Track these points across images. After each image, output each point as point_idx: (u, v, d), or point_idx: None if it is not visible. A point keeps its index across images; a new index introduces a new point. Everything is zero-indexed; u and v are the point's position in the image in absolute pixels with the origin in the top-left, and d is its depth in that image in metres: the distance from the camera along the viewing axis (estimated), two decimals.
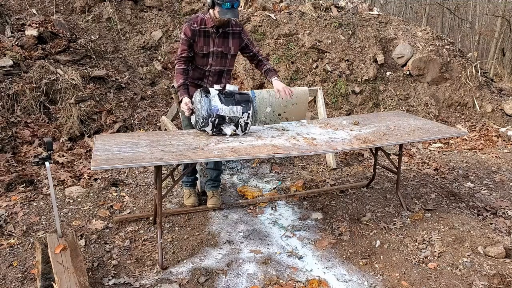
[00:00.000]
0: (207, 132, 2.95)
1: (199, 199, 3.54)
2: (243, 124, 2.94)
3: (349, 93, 5.98)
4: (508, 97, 6.68)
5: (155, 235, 3.05)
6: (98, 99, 4.84)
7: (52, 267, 2.34)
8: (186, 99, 2.98)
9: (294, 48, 6.20)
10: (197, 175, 3.57)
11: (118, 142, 2.73)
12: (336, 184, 4.04)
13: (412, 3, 20.99)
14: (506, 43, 15.58)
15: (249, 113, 2.93)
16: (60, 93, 4.64)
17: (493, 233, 3.14)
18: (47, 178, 2.58)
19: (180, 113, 3.47)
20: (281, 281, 2.62)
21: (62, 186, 3.74)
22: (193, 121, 3.05)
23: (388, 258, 2.88)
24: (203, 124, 2.90)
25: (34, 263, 2.68)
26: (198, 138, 2.90)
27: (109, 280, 2.58)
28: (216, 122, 2.88)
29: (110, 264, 2.73)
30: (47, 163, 2.49)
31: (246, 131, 3.00)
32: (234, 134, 2.96)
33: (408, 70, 6.38)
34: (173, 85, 3.41)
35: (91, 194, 3.63)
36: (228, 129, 2.92)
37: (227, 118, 2.88)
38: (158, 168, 2.70)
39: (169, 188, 3.03)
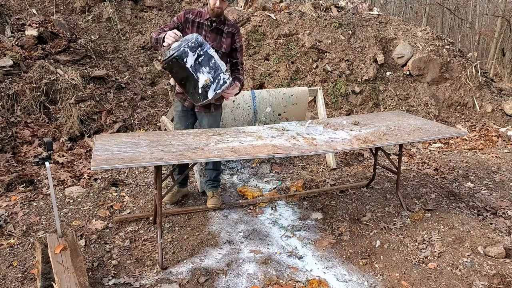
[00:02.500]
0: (182, 63, 2.65)
1: (199, 199, 3.54)
2: (221, 81, 2.73)
3: (349, 93, 5.98)
4: (508, 97, 6.68)
5: (155, 235, 3.05)
6: (98, 99, 4.84)
7: (52, 267, 2.34)
8: (174, 30, 2.78)
9: (294, 48, 6.20)
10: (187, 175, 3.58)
11: (118, 142, 2.73)
12: (336, 184, 4.04)
13: (412, 3, 20.99)
14: (506, 43, 15.57)
15: (230, 78, 2.78)
16: (60, 93, 4.64)
17: (493, 233, 3.14)
18: (47, 178, 2.58)
19: (173, 110, 3.45)
20: (281, 281, 2.62)
21: (62, 186, 3.74)
22: (167, 53, 2.73)
23: (388, 258, 2.88)
24: (190, 47, 2.63)
25: (34, 263, 2.68)
26: (198, 138, 2.90)
27: (109, 280, 2.58)
28: (202, 57, 2.66)
29: (110, 264, 2.73)
30: (47, 163, 2.49)
31: (218, 91, 2.75)
32: (204, 90, 2.72)
33: (408, 70, 6.38)
34: (169, 82, 3.40)
35: (91, 194, 3.63)
36: (205, 75, 2.69)
37: (213, 61, 2.69)
38: (158, 168, 2.70)
39: (169, 188, 3.03)
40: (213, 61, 2.71)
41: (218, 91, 2.75)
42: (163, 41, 2.74)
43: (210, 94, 2.74)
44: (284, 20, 6.52)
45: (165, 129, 4.26)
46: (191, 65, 2.69)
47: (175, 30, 2.76)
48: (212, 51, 2.74)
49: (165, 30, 2.86)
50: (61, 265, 2.33)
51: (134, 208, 3.45)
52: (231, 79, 2.82)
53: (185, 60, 2.67)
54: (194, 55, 2.66)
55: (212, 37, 3.08)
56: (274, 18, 6.51)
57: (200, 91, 2.76)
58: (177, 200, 3.55)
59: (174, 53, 2.66)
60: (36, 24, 5.27)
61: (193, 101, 2.92)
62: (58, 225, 2.57)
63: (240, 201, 3.64)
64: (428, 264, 2.80)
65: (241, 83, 3.16)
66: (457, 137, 5.56)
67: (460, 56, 6.81)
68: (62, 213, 3.34)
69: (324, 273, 2.73)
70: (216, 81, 2.73)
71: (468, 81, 6.46)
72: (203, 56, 2.68)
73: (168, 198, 3.50)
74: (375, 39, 6.47)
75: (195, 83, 2.74)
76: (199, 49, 2.67)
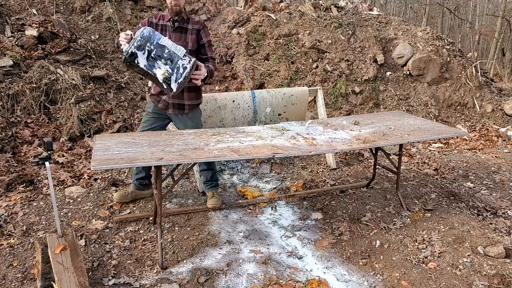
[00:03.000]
0: (136, 64, 2.58)
1: (199, 199, 3.54)
2: (181, 69, 2.59)
3: (349, 93, 5.98)
4: (508, 97, 6.68)
5: (155, 235, 3.05)
6: (98, 99, 4.84)
7: (52, 267, 2.34)
8: (126, 31, 2.74)
9: (294, 48, 6.20)
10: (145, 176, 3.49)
11: (118, 142, 2.73)
12: (336, 184, 4.04)
13: (412, 3, 20.99)
14: (506, 43, 15.57)
15: (191, 60, 2.64)
16: (60, 93, 4.64)
17: (493, 233, 3.14)
18: (47, 178, 2.58)
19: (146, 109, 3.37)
20: (281, 281, 2.62)
21: (62, 186, 3.74)
22: (122, 57, 2.65)
23: (388, 258, 2.88)
24: (136, 47, 2.53)
25: (34, 263, 2.68)
26: (198, 138, 2.90)
27: (109, 280, 2.58)
28: (154, 52, 2.54)
29: (110, 264, 2.73)
30: (47, 163, 2.49)
31: (182, 80, 2.64)
32: (166, 83, 2.61)
33: (408, 70, 6.38)
34: (147, 84, 3.35)
35: (91, 194, 3.63)
36: (161, 68, 2.58)
37: (166, 50, 2.56)
38: (158, 168, 2.70)
39: (169, 188, 3.03)
40: (166, 51, 2.59)
41: (180, 80, 2.64)
42: (120, 45, 2.73)
43: (174, 86, 2.65)
44: (284, 20, 6.52)
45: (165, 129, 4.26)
46: (145, 64, 2.61)
47: (127, 31, 2.73)
48: (163, 40, 2.60)
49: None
50: (61, 265, 2.33)
51: (134, 208, 3.45)
52: (192, 61, 2.67)
53: (136, 61, 2.60)
54: (144, 53, 2.56)
55: (176, 37, 3.05)
56: (274, 18, 6.51)
57: (164, 85, 2.69)
58: (128, 201, 3.49)
59: (124, 57, 2.60)
60: (36, 24, 5.27)
61: (167, 94, 2.85)
62: (58, 225, 2.57)
63: (240, 201, 3.64)
64: (428, 264, 2.80)
65: (210, 69, 3.03)
66: (457, 137, 5.56)
67: (460, 56, 6.81)
68: (62, 213, 3.34)
69: (324, 273, 2.73)
70: (176, 70, 2.61)
71: (468, 81, 6.46)
72: (154, 50, 2.57)
73: (118, 196, 3.46)
74: (375, 39, 6.47)
75: (156, 80, 2.67)
76: (148, 44, 2.57)
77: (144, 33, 2.59)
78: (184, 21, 3.09)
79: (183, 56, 2.62)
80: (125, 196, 3.48)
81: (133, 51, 2.57)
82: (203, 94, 3.49)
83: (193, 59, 2.73)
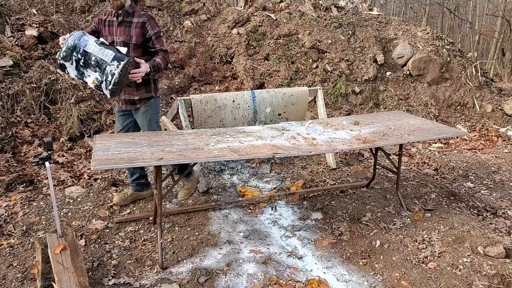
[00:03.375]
0: (67, 73, 2.56)
1: (199, 199, 3.53)
2: (109, 75, 2.50)
3: (349, 93, 5.98)
4: (508, 97, 6.68)
5: (155, 235, 3.05)
6: (98, 99, 4.84)
7: (52, 267, 2.34)
8: (63, 36, 2.70)
9: (294, 48, 6.20)
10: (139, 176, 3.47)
11: (118, 142, 2.73)
12: (336, 184, 4.04)
13: (412, 3, 20.98)
14: (506, 43, 15.57)
15: (119, 64, 2.52)
16: (60, 93, 4.64)
17: (493, 233, 3.14)
18: (47, 178, 2.57)
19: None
20: (281, 281, 2.62)
21: (62, 186, 3.74)
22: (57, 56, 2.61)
23: (388, 258, 2.88)
24: (63, 57, 2.47)
25: (34, 263, 2.68)
26: (198, 138, 2.90)
27: (109, 280, 2.58)
28: (82, 61, 2.47)
29: (110, 264, 2.73)
30: (47, 163, 2.49)
31: (112, 87, 2.55)
32: (98, 88, 2.54)
33: (408, 70, 6.38)
34: None
35: (91, 194, 3.63)
36: (91, 77, 2.51)
37: (93, 58, 2.48)
38: (158, 168, 2.70)
39: (169, 188, 3.03)
40: (93, 58, 2.50)
41: (110, 87, 2.55)
42: None
43: (107, 93, 2.59)
44: (284, 20, 6.52)
45: (165, 129, 4.26)
46: (75, 74, 2.56)
47: (64, 36, 2.69)
48: (90, 47, 2.51)
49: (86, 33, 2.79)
50: (61, 265, 2.33)
51: (134, 208, 3.45)
52: (121, 64, 2.54)
53: (67, 71, 2.56)
54: (72, 63, 2.51)
55: (121, 31, 3.00)
56: (274, 18, 6.51)
57: (100, 91, 2.64)
58: (128, 203, 3.48)
59: (57, 68, 2.56)
60: (36, 24, 5.27)
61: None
62: (58, 225, 2.57)
63: (240, 199, 3.64)
64: (428, 264, 2.80)
65: (156, 63, 2.94)
66: (457, 137, 5.56)
67: (460, 56, 6.81)
68: (62, 213, 3.34)
69: (324, 273, 2.73)
70: (105, 77, 2.53)
71: (468, 81, 6.46)
72: (82, 58, 2.50)
73: (118, 199, 3.46)
74: (375, 39, 6.47)
75: (85, 82, 2.59)
76: (74, 53, 2.50)
77: (69, 42, 2.51)
78: (128, 15, 3.01)
79: (111, 61, 2.52)
80: (125, 198, 3.47)
81: (62, 63, 2.52)
82: (203, 94, 3.47)
83: (124, 61, 2.58)
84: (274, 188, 3.93)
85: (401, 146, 3.54)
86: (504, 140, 5.63)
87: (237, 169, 4.32)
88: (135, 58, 2.80)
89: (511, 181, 4.31)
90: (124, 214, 3.34)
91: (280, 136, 3.04)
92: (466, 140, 5.58)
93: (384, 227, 3.24)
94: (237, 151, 2.66)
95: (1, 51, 4.70)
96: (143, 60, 2.88)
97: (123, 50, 2.67)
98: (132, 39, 2.99)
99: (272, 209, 3.52)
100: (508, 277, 2.62)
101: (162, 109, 5.27)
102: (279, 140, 2.95)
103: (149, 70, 2.88)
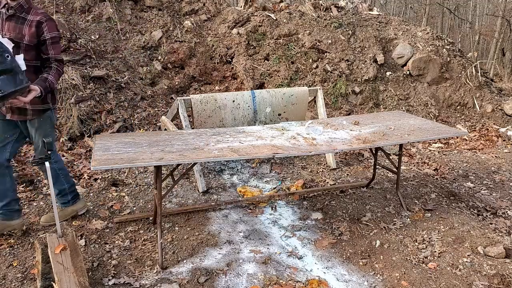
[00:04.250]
0: None
1: (199, 199, 3.53)
2: None
3: (349, 93, 5.98)
4: (508, 97, 6.68)
5: (155, 235, 3.05)
6: (98, 99, 4.84)
7: (52, 267, 2.34)
8: None
9: (294, 48, 6.20)
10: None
11: (118, 142, 2.73)
12: (336, 184, 4.04)
13: (412, 3, 20.98)
14: (506, 43, 15.58)
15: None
16: (60, 93, 4.64)
17: (493, 233, 3.14)
18: (47, 178, 2.58)
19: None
20: (281, 281, 2.62)
21: None
22: None
23: (388, 258, 2.88)
24: None
25: (34, 263, 2.68)
26: (198, 138, 2.90)
27: (109, 280, 2.58)
28: None
29: (110, 264, 2.73)
30: (47, 163, 2.49)
31: None
32: None
33: (408, 70, 6.38)
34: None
35: (91, 194, 3.63)
36: None
37: None
38: (158, 168, 2.70)
39: (169, 188, 3.03)
40: None
41: None
42: None
43: None
44: (284, 20, 6.52)
45: (165, 129, 4.26)
46: None
47: None
48: None
49: None
50: (61, 265, 2.33)
51: (134, 208, 3.45)
52: (13, 90, 2.26)
53: None
54: None
55: (11, 27, 2.62)
56: (274, 18, 6.51)
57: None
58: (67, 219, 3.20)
59: None
60: None
61: None
62: (58, 225, 2.57)
63: (240, 199, 3.64)
64: (428, 264, 2.80)
65: (48, 84, 2.61)
66: (457, 137, 5.56)
67: (460, 56, 6.81)
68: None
69: (324, 273, 2.73)
70: None
71: (468, 81, 6.46)
72: None
73: (43, 219, 3.15)
74: (375, 39, 6.47)
75: None
76: None
77: None
78: (23, 10, 2.64)
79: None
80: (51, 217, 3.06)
81: None
82: (203, 94, 3.46)
83: (17, 88, 2.31)
84: (274, 188, 3.93)
85: (401, 146, 3.54)
86: (504, 140, 5.63)
87: (237, 169, 4.33)
88: (30, 86, 2.46)
89: (511, 181, 4.31)
90: (124, 214, 3.34)
91: (280, 136, 3.04)
92: (466, 140, 5.58)
93: (384, 227, 3.24)
94: (237, 151, 2.66)
95: None
96: (37, 88, 2.51)
97: (19, 58, 2.37)
98: (24, 39, 2.62)
99: (272, 209, 3.52)
100: (508, 277, 2.62)
101: (162, 109, 5.27)
102: (279, 140, 2.95)
103: (39, 95, 2.53)
